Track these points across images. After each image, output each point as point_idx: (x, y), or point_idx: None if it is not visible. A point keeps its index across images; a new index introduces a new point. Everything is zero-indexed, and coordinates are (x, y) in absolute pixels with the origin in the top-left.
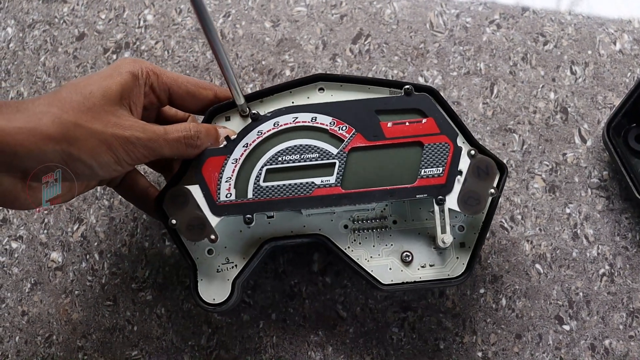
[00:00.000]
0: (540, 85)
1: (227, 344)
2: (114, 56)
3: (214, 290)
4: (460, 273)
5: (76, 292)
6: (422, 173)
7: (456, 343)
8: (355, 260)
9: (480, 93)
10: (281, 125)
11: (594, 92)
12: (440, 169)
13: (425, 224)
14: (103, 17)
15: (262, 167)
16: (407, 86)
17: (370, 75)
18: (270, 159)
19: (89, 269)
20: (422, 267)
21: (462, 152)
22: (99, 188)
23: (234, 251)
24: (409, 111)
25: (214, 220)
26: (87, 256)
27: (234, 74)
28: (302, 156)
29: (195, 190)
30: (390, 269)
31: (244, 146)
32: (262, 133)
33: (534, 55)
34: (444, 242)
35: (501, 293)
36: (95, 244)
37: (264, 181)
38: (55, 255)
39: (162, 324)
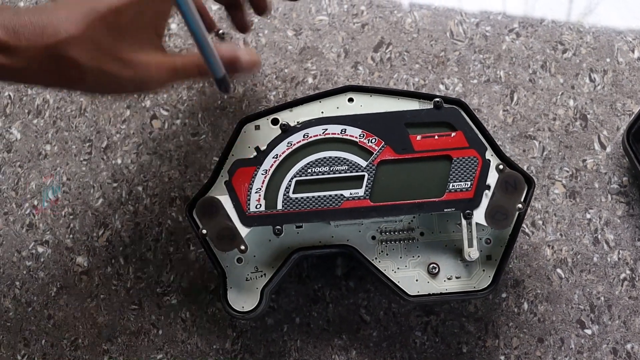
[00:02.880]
0: (560, 93)
1: (252, 347)
2: None
3: (243, 299)
4: (486, 286)
5: (102, 296)
6: (451, 187)
7: (479, 347)
8: (382, 271)
9: (501, 100)
10: (311, 137)
11: (613, 99)
12: (469, 183)
13: (452, 236)
14: None
15: (292, 178)
16: (436, 99)
17: (392, 83)
18: (300, 171)
19: (114, 273)
20: (449, 279)
21: (491, 167)
22: (123, 193)
23: (263, 260)
24: (439, 124)
25: (243, 230)
26: (113, 261)
27: (209, 40)
28: (332, 168)
29: (226, 201)
30: (416, 280)
31: (273, 157)
32: (291, 144)
33: (553, 63)
34: (470, 256)
35: (523, 297)
36: (121, 248)
37: (293, 192)
38: (80, 259)
39: (187, 327)
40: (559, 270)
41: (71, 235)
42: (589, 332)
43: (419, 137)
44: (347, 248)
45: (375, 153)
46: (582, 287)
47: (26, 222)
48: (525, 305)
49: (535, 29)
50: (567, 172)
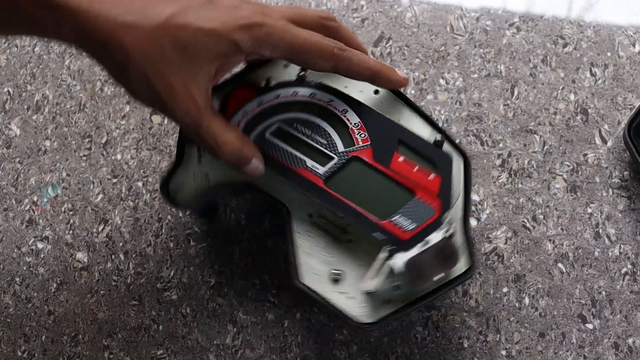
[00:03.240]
0: (560, 87)
1: (252, 343)
2: None
3: (180, 189)
4: (363, 322)
5: (102, 292)
6: (394, 218)
7: (480, 342)
8: (295, 246)
9: (501, 95)
10: (315, 99)
11: (614, 94)
12: (413, 226)
13: (374, 260)
14: None
15: (277, 122)
16: (438, 137)
17: None
18: (287, 120)
19: (115, 269)
20: (342, 293)
21: (442, 226)
22: (123, 189)
23: (216, 172)
24: (426, 159)
25: None
26: (113, 256)
27: None
28: (313, 135)
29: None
30: (315, 274)
31: (275, 96)
32: (295, 94)
33: (554, 57)
34: (364, 286)
35: (524, 292)
36: (121, 244)
37: (270, 134)
38: (80, 255)
39: (187, 323)
40: (560, 265)
41: (71, 231)
42: (590, 326)
43: (401, 158)
44: (283, 207)
45: (356, 146)
46: (584, 281)
47: (26, 218)
48: (527, 300)
49: (536, 23)
50: (568, 166)
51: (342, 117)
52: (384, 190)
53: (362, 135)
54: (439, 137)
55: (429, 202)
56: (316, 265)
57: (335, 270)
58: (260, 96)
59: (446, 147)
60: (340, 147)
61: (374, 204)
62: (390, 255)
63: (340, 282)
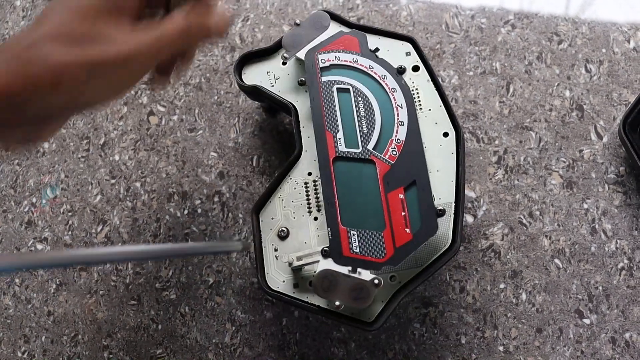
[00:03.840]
0: (556, 84)
1: (251, 341)
2: None
3: (249, 76)
4: (265, 282)
5: (101, 292)
6: (351, 233)
7: (477, 338)
8: (278, 187)
9: (497, 92)
10: (393, 94)
11: (609, 90)
12: (358, 250)
13: (316, 248)
14: None
15: (350, 85)
16: (442, 207)
17: None
18: (358, 91)
19: (113, 269)
20: (275, 250)
21: (378, 272)
22: (121, 189)
23: (282, 82)
24: (419, 214)
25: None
26: None
27: None
28: (362, 118)
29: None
30: (272, 218)
31: (369, 66)
32: (383, 78)
33: (549, 54)
34: (288, 257)
35: (521, 288)
36: (119, 244)
37: (336, 88)
38: None
39: (186, 322)
40: (556, 261)
41: (70, 232)
42: (587, 321)
43: (401, 196)
44: (298, 147)
45: (381, 155)
46: (580, 277)
47: (25, 219)
48: (524, 296)
49: (531, 21)
50: (564, 162)
51: (395, 125)
52: (367, 206)
53: (394, 152)
54: (443, 207)
55: (385, 246)
56: (277, 213)
57: (286, 228)
58: (359, 56)
59: (445, 220)
60: (371, 144)
61: (349, 208)
62: (324, 254)
63: (280, 240)
